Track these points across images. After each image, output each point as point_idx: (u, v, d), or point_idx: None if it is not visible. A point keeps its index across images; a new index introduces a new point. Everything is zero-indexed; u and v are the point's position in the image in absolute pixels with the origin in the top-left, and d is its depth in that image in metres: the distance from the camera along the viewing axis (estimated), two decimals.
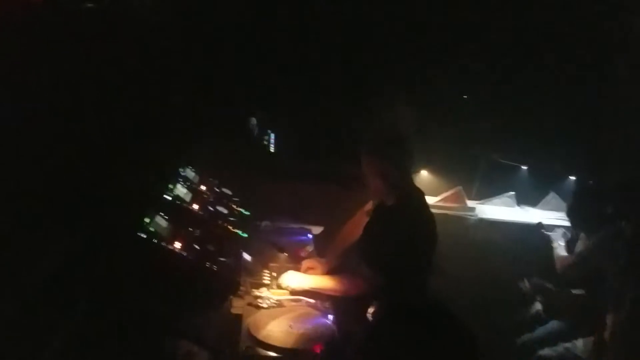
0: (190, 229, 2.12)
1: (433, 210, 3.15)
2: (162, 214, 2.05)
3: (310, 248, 2.85)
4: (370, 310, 2.18)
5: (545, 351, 2.76)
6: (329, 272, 2.49)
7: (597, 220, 2.81)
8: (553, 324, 2.93)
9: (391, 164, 2.37)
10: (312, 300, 2.18)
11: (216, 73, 3.95)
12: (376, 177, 2.40)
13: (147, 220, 1.92)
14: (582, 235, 3.00)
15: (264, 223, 3.15)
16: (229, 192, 2.98)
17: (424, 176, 3.94)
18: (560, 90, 4.04)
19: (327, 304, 2.17)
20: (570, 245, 3.08)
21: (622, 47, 4.06)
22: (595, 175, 3.80)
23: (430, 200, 3.62)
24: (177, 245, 1.92)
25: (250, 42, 4.21)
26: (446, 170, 3.97)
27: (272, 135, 4.62)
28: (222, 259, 2.02)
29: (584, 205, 2.91)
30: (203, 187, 2.72)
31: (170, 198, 2.29)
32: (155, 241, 1.85)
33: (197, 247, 1.99)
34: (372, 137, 2.63)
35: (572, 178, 4.02)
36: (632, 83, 3.96)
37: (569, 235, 3.16)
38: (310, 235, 3.04)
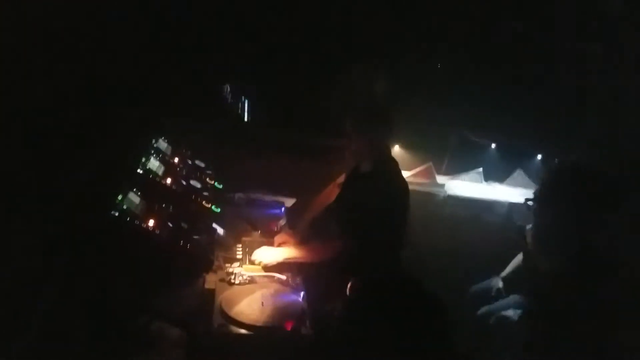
0: (164, 205, 2.11)
1: None
2: (135, 190, 2.03)
3: (282, 222, 2.88)
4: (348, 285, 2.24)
5: (509, 312, 2.84)
6: (300, 242, 2.54)
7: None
8: (513, 298, 3.04)
9: (378, 129, 2.44)
10: (283, 277, 2.23)
11: (188, 40, 3.84)
12: (360, 140, 2.45)
13: (119, 197, 1.91)
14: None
15: (237, 195, 3.16)
16: (202, 164, 2.97)
17: (396, 151, 4.00)
18: (532, 69, 4.10)
19: (298, 280, 2.22)
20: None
21: (595, 26, 4.11)
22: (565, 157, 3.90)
23: None
24: (151, 223, 1.90)
25: (224, 7, 4.10)
26: (418, 145, 4.03)
27: (247, 103, 4.57)
28: (195, 236, 2.03)
29: (547, 185, 2.98)
30: (176, 160, 2.71)
31: (143, 172, 2.27)
32: (129, 219, 1.84)
33: (170, 224, 1.98)
34: (362, 102, 2.67)
35: (539, 156, 4.14)
36: (606, 64, 4.03)
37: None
38: (283, 209, 3.08)
